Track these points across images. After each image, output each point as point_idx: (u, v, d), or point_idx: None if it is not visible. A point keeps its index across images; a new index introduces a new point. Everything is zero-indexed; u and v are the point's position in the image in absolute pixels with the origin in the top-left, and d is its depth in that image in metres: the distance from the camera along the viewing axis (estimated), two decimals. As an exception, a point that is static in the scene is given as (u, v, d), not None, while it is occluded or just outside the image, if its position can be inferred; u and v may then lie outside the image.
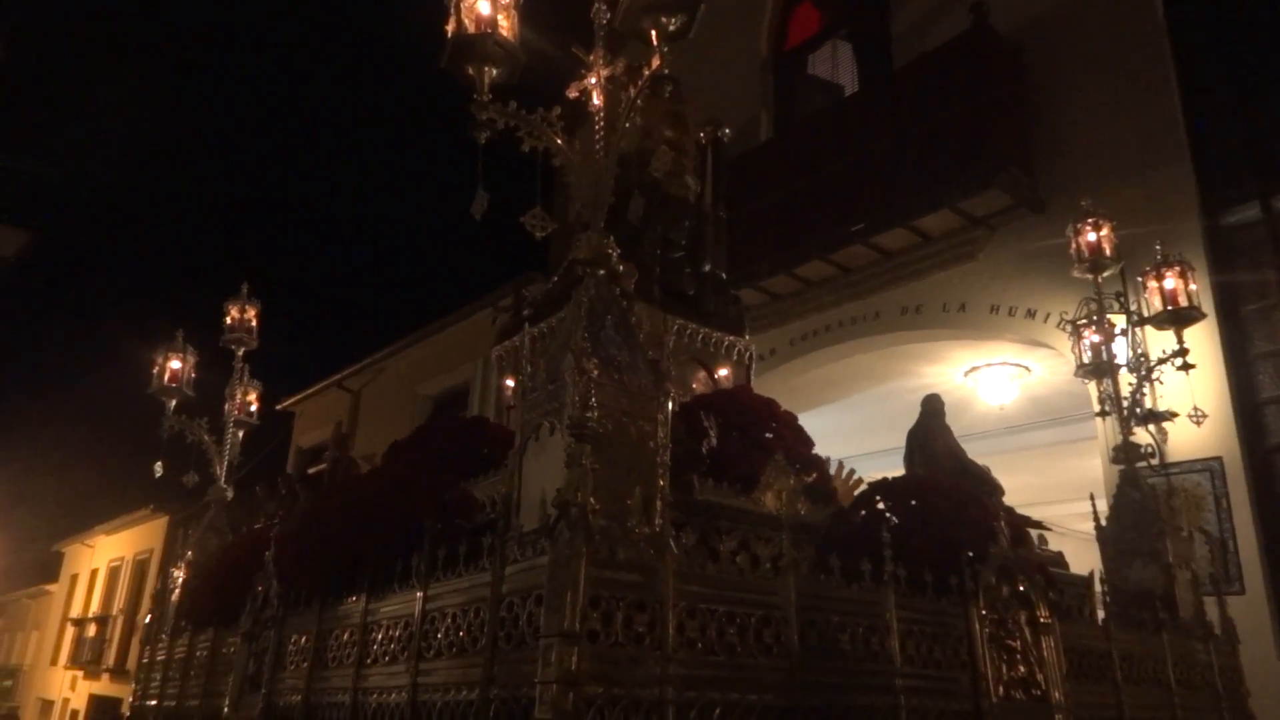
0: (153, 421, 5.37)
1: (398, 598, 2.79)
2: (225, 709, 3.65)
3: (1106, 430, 6.61)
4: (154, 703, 4.61)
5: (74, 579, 25.57)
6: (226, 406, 5.50)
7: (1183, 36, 7.44)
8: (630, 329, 2.61)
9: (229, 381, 5.52)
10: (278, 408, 17.24)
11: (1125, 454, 4.32)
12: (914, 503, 3.20)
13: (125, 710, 4.98)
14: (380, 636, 2.83)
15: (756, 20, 11.24)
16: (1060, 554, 4.27)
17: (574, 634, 2.09)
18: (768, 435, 3.96)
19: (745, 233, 9.55)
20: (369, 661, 2.84)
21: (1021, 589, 3.16)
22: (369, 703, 2.76)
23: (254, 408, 5.68)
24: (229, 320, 5.49)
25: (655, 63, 2.62)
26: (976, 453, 8.85)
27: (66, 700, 22.96)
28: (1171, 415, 6.39)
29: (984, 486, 4.18)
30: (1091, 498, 4.23)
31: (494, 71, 2.80)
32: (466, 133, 2.69)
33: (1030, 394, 9.41)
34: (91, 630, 21.99)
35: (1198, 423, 5.10)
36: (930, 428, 4.38)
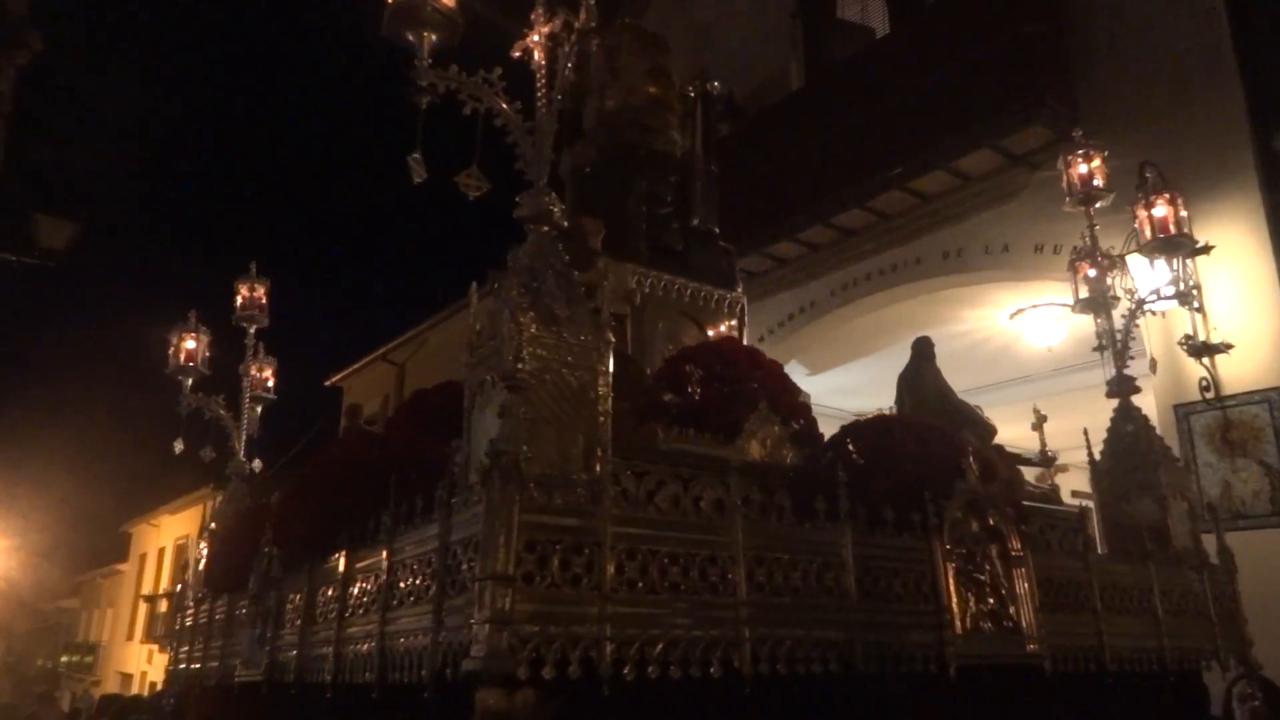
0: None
1: (370, 552, 2.91)
2: (238, 667, 3.84)
3: (1158, 369, 6.50)
4: (184, 666, 4.84)
5: (143, 558, 26.70)
6: (243, 383, 5.68)
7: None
8: (571, 283, 2.65)
9: (244, 359, 5.69)
10: (326, 384, 17.62)
11: (1119, 387, 4.27)
12: (879, 442, 3.21)
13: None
14: (356, 591, 2.96)
15: (783, -35, 11.02)
16: (1054, 489, 4.26)
17: (507, 576, 2.17)
18: (753, 385, 3.99)
19: (781, 184, 9.49)
20: (347, 615, 2.97)
21: (992, 522, 3.17)
22: (347, 654, 2.89)
23: (270, 383, 5.85)
24: (239, 299, 5.64)
25: (584, 16, 2.64)
26: (1024, 396, 8.55)
27: (144, 673, 23.99)
28: (1226, 347, 6.21)
29: (974, 427, 4.16)
30: (1085, 432, 4.18)
31: (433, 37, 2.85)
32: (407, 98, 2.75)
33: (1079, 334, 9.16)
34: (163, 606, 22.86)
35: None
36: (920, 370, 4.35)
